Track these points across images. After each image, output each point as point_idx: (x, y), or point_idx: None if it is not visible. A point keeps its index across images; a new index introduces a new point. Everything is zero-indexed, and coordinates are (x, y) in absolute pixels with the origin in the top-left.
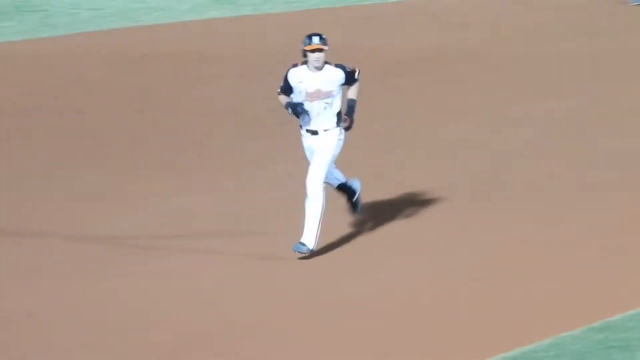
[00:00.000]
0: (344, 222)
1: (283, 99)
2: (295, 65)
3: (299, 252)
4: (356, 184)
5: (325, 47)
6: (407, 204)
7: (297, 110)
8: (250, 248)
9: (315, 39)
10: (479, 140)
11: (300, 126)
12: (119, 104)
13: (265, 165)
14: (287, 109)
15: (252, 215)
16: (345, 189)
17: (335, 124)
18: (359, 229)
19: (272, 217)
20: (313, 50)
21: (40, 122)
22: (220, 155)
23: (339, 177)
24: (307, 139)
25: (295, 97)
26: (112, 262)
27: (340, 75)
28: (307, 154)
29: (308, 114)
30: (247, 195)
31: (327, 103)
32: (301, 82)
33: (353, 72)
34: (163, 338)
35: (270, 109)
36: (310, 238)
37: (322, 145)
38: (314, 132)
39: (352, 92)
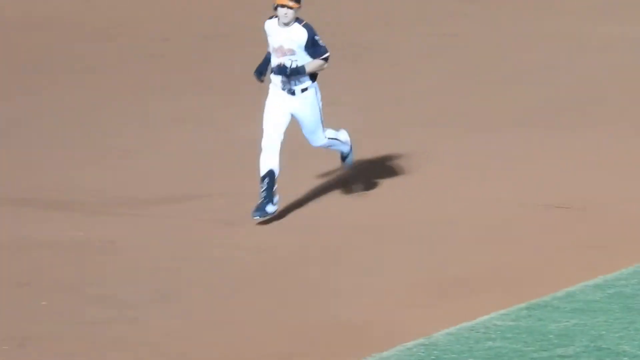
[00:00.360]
0: (415, 153)
1: (268, 48)
2: (271, 18)
3: (348, 168)
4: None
5: (292, 4)
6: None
7: (255, 75)
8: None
9: None
10: None
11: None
12: (187, 30)
13: (351, 90)
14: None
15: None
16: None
17: (310, 80)
18: (420, 155)
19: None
20: (282, 5)
21: (124, 48)
22: None
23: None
24: (280, 95)
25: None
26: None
27: (302, 36)
28: (271, 104)
29: (261, 81)
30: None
31: (293, 60)
32: (270, 35)
33: (321, 47)
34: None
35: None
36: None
37: (304, 110)
38: (291, 92)
39: (310, 63)
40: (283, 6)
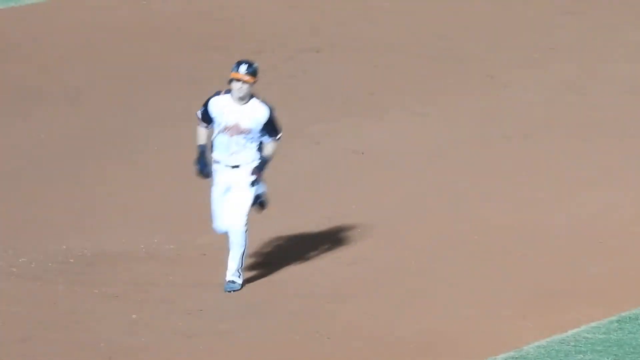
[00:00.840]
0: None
1: (200, 134)
2: (218, 93)
3: (233, 290)
4: (261, 189)
5: (247, 79)
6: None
7: (202, 172)
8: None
9: (242, 68)
10: None
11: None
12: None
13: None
14: (196, 163)
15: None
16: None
17: (258, 159)
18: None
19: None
20: (237, 79)
21: (217, 63)
22: (395, 89)
23: None
24: (223, 173)
25: (215, 128)
26: None
27: (264, 114)
28: (217, 189)
29: (211, 176)
30: (420, 130)
31: (247, 139)
32: (222, 112)
33: (277, 127)
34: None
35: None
36: (237, 275)
37: (243, 179)
38: (235, 166)
39: (268, 150)
40: (238, 80)
